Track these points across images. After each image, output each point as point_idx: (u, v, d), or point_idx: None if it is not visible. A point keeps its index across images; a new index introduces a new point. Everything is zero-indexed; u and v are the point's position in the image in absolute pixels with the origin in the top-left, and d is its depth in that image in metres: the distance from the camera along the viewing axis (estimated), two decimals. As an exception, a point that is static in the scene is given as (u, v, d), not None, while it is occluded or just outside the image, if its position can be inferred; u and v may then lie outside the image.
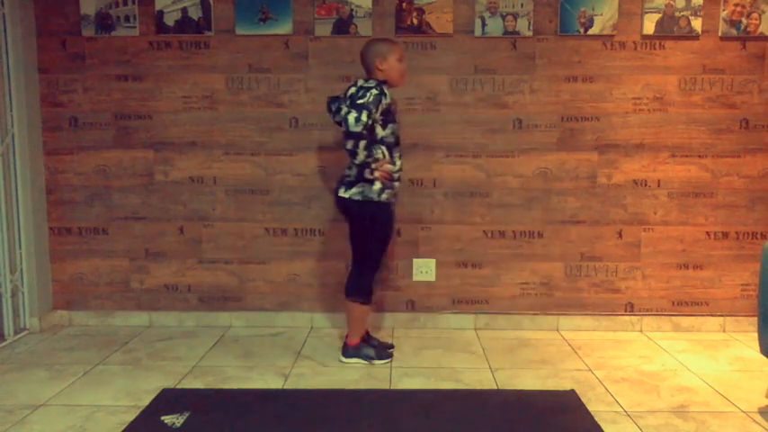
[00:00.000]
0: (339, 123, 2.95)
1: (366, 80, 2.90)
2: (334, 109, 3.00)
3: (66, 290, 3.65)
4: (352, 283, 3.00)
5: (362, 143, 2.82)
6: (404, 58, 2.97)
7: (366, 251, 2.97)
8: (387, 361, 3.08)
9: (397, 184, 2.99)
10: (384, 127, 2.89)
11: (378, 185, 2.89)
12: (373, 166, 2.86)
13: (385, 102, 2.82)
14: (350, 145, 2.86)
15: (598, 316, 3.59)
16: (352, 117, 2.73)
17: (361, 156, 2.83)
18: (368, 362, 3.05)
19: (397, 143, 2.97)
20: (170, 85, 3.50)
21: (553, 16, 3.42)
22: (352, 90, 2.88)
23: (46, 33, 3.47)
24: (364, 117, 2.72)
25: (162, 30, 3.46)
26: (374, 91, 2.79)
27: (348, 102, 2.84)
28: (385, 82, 2.91)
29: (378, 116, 2.82)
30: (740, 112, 3.46)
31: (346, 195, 2.91)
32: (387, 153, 2.91)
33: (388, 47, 2.91)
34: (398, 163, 2.97)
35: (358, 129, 2.73)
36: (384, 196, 2.91)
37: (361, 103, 2.76)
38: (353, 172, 2.90)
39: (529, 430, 2.35)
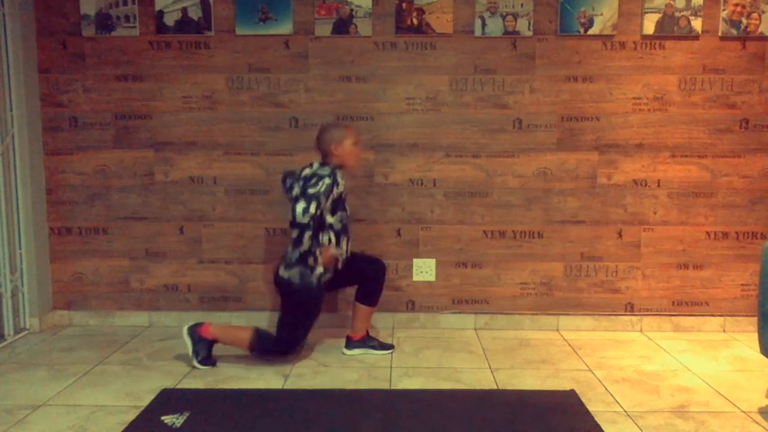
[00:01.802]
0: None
1: (321, 165, 2.91)
2: (288, 185, 2.95)
3: (66, 290, 3.65)
4: (267, 344, 2.97)
5: (308, 233, 2.80)
6: (359, 142, 3.00)
7: (291, 328, 2.95)
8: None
9: (340, 266, 3.00)
10: (333, 214, 2.90)
11: (319, 270, 2.90)
12: (318, 251, 2.87)
13: (336, 191, 2.84)
14: (294, 234, 2.82)
15: (598, 316, 3.59)
16: (300, 208, 2.73)
17: (306, 245, 2.82)
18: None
19: (344, 230, 2.97)
20: (170, 85, 3.50)
21: (553, 16, 3.42)
22: (307, 171, 2.89)
23: (46, 33, 3.47)
24: (312, 209, 2.74)
25: (162, 30, 3.46)
26: (327, 180, 2.80)
27: (301, 183, 2.83)
28: (341, 166, 2.92)
29: (328, 204, 2.83)
30: (740, 112, 3.46)
31: (285, 276, 2.91)
32: (334, 239, 2.93)
33: (344, 132, 2.93)
34: (344, 248, 2.99)
35: (305, 220, 2.74)
36: (324, 279, 2.94)
37: (312, 194, 2.76)
38: (296, 255, 2.87)
39: (529, 430, 2.35)
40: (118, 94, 3.51)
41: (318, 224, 2.85)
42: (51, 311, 3.63)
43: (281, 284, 2.95)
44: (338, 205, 2.92)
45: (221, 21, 3.45)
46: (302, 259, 2.87)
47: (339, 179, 2.86)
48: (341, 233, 2.96)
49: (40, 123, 3.52)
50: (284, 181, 3.00)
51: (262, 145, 3.53)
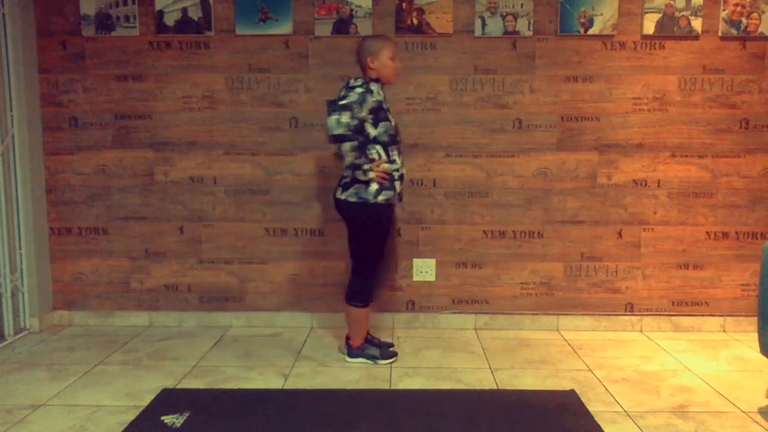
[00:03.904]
0: None
1: (355, 79, 2.87)
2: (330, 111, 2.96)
3: (66, 290, 3.65)
4: (353, 288, 2.98)
5: (348, 145, 2.73)
6: (397, 55, 2.93)
7: (362, 254, 2.94)
8: (391, 360, 3.07)
9: (398, 183, 2.91)
10: (375, 126, 2.83)
11: (374, 187, 2.84)
12: (366, 167, 2.80)
13: (372, 99, 2.78)
14: (335, 148, 2.79)
15: (598, 316, 3.59)
16: (333, 119, 2.70)
17: (349, 158, 2.76)
18: (373, 362, 3.05)
19: (393, 141, 2.90)
20: (170, 85, 3.50)
21: (553, 16, 3.42)
22: (342, 91, 2.87)
23: (46, 33, 3.47)
24: (345, 118, 2.69)
25: (162, 30, 3.46)
26: (358, 89, 2.76)
27: (336, 100, 2.82)
28: (377, 80, 2.88)
29: (366, 115, 2.78)
30: (740, 112, 3.46)
31: (342, 197, 2.89)
32: (382, 152, 2.86)
33: (381, 44, 2.87)
34: (398, 161, 2.90)
35: (339, 131, 2.70)
36: (381, 198, 2.85)
37: (343, 105, 2.72)
38: (349, 173, 2.85)
39: (529, 430, 2.35)
40: (118, 94, 3.51)
41: (364, 139, 2.81)
42: (51, 311, 3.63)
43: (340, 207, 2.94)
44: (380, 116, 2.83)
45: (221, 21, 3.45)
46: (353, 175, 2.84)
47: (373, 88, 2.81)
48: (389, 145, 2.88)
49: (40, 123, 3.52)
50: (328, 109, 2.96)
51: (262, 145, 3.53)
